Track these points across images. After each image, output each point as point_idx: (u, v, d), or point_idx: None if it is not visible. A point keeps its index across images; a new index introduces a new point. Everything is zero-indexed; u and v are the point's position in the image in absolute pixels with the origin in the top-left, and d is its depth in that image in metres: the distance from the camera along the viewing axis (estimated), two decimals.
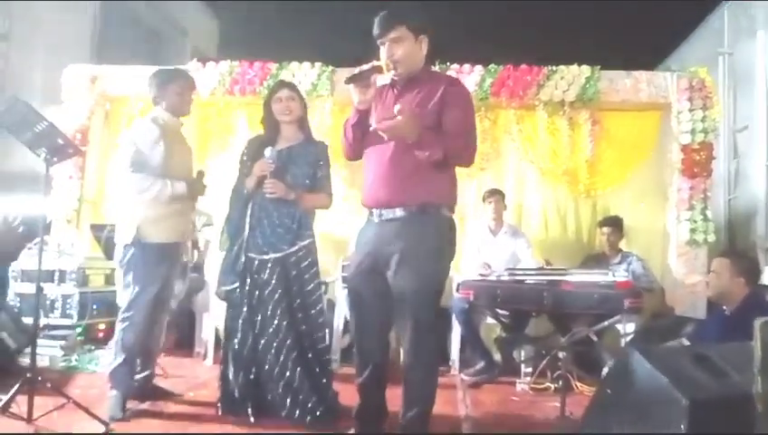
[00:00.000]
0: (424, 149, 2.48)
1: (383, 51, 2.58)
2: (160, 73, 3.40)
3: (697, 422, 1.93)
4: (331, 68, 5.29)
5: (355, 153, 2.80)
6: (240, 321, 3.15)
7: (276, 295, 3.10)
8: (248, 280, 3.15)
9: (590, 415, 2.37)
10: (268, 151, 3.12)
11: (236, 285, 3.15)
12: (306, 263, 3.18)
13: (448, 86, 2.61)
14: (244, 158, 3.31)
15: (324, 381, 3.14)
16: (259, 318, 3.12)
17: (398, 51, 2.56)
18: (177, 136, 3.40)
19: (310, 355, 3.11)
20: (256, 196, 3.17)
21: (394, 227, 2.58)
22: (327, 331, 3.34)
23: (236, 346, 3.15)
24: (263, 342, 3.10)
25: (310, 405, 3.01)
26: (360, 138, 2.73)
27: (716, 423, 2.00)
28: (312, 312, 3.17)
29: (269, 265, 3.13)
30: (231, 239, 3.24)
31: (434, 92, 2.57)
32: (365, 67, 2.56)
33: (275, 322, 3.08)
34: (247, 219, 3.17)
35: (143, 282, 3.17)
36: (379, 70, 2.55)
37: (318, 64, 5.31)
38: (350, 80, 2.60)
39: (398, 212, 2.57)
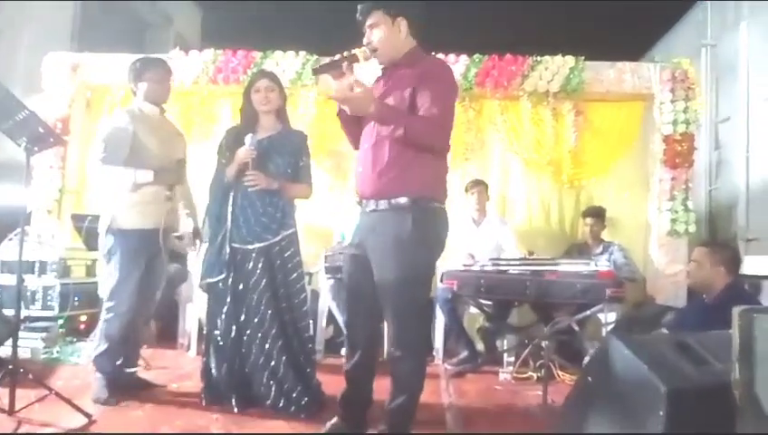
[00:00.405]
0: (388, 126, 2.45)
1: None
2: (136, 63, 3.39)
3: (677, 410, 1.96)
4: (315, 57, 5.25)
5: (355, 144, 2.78)
6: (224, 311, 3.13)
7: (261, 285, 3.09)
8: (232, 271, 3.14)
9: (571, 403, 2.39)
10: (248, 139, 3.10)
11: (222, 276, 3.13)
12: (290, 252, 3.18)
13: (429, 67, 2.58)
14: (223, 148, 3.28)
15: (308, 370, 3.15)
16: (244, 308, 3.11)
17: (375, 36, 2.55)
18: (156, 124, 3.37)
19: (294, 344, 3.12)
20: (238, 185, 3.15)
21: (379, 218, 2.56)
22: (311, 321, 3.34)
23: (220, 337, 3.14)
24: (248, 332, 3.09)
25: (294, 395, 3.02)
26: (353, 129, 2.72)
27: (696, 411, 2.02)
28: (296, 301, 3.17)
29: (253, 254, 3.11)
30: (213, 230, 3.22)
31: (413, 74, 2.53)
32: (335, 57, 2.51)
33: (260, 311, 3.08)
34: (229, 209, 3.15)
35: (123, 270, 3.18)
36: (353, 59, 2.49)
37: (302, 53, 5.28)
38: (317, 71, 2.63)
39: (382, 204, 2.55)
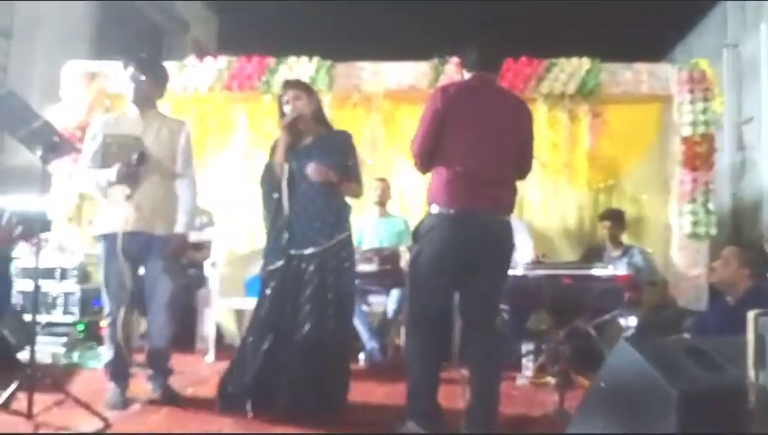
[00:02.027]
0: None
1: None
2: (129, 63, 3.34)
3: (688, 415, 1.93)
4: (329, 62, 5.28)
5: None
6: (263, 312, 3.14)
7: (308, 290, 3.08)
8: (286, 275, 3.13)
9: (583, 408, 2.37)
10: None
11: (281, 263, 3.12)
12: (344, 254, 3.18)
13: None
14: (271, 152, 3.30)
15: (339, 374, 3.15)
16: (288, 311, 3.10)
17: None
18: (126, 127, 3.26)
19: (330, 350, 3.08)
20: (291, 191, 3.16)
21: None
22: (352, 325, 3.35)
23: (256, 338, 3.14)
24: (286, 333, 3.09)
25: (318, 398, 3.02)
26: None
27: (708, 416, 1.99)
28: (345, 305, 3.18)
29: (307, 258, 3.11)
30: (271, 223, 3.25)
31: None
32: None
33: (304, 316, 3.07)
34: (286, 211, 3.15)
35: (103, 276, 3.24)
36: None
37: (316, 59, 5.30)
38: None
39: None
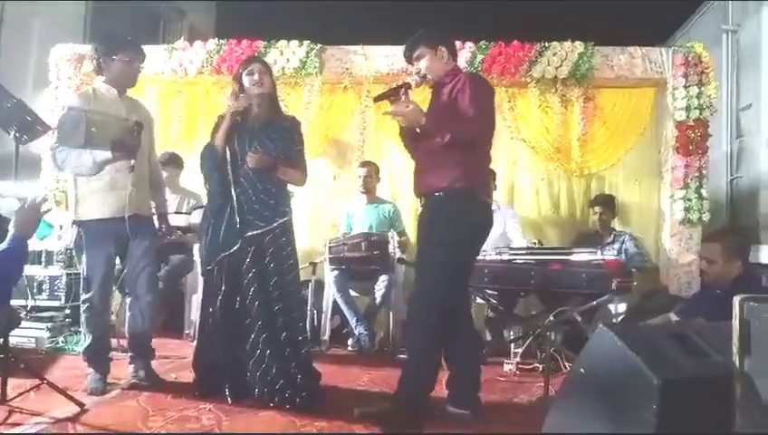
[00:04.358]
0: (436, 134, 2.80)
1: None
2: (106, 42, 3.27)
3: (670, 403, 1.88)
4: (319, 46, 5.20)
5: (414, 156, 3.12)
6: (218, 300, 3.09)
7: (251, 274, 3.04)
8: (226, 259, 3.10)
9: (563, 395, 2.33)
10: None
11: (237, 247, 3.07)
12: (283, 240, 3.13)
13: (464, 78, 2.91)
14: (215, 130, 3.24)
15: (295, 363, 3.05)
16: (238, 297, 3.07)
17: (422, 65, 2.98)
18: (110, 104, 3.21)
19: (283, 336, 3.04)
20: (234, 172, 3.10)
21: (421, 214, 3.00)
22: (305, 310, 3.29)
23: (213, 326, 3.11)
24: (238, 321, 3.06)
25: (278, 387, 2.96)
26: (413, 143, 3.07)
27: (691, 404, 1.94)
28: (290, 289, 3.12)
29: (245, 241, 3.06)
30: (214, 216, 3.17)
31: (452, 86, 2.90)
32: (392, 86, 3.07)
33: (248, 301, 3.04)
34: (233, 194, 3.09)
35: (89, 262, 3.16)
36: (407, 86, 2.96)
37: (306, 42, 5.21)
38: (377, 98, 3.10)
39: (424, 199, 2.97)
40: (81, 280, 3.23)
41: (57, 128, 3.07)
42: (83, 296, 3.20)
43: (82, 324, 3.24)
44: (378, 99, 3.10)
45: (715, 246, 3.28)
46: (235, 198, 3.08)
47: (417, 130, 2.92)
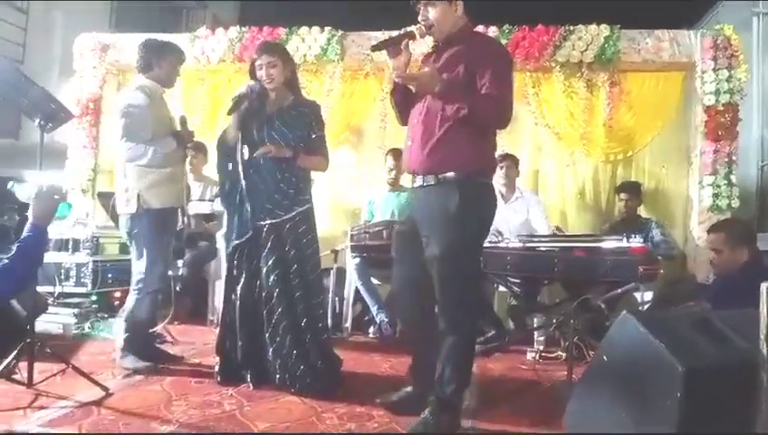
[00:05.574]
0: (452, 105, 2.45)
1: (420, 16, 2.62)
2: (156, 43, 3.44)
3: (695, 390, 1.84)
4: (340, 32, 5.19)
5: (404, 121, 2.81)
6: (239, 286, 3.12)
7: (270, 262, 3.05)
8: (247, 247, 3.12)
9: (585, 382, 2.30)
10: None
11: (249, 235, 3.09)
12: (303, 228, 3.12)
13: (484, 45, 2.63)
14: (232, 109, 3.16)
15: (314, 350, 3.06)
16: (258, 283, 3.09)
17: (430, 14, 2.58)
18: (161, 103, 3.43)
19: (303, 323, 3.05)
20: (250, 161, 3.11)
21: (427, 193, 2.61)
22: (326, 298, 3.29)
23: (233, 314, 3.13)
24: (257, 309, 3.08)
25: (298, 374, 2.97)
26: (404, 105, 2.76)
27: (716, 392, 1.91)
28: (311, 278, 3.12)
29: (264, 231, 3.07)
30: (229, 205, 3.20)
31: (468, 51, 2.54)
32: (394, 34, 2.61)
33: (268, 289, 3.04)
34: (243, 183, 3.10)
35: (155, 252, 3.29)
36: (410, 36, 2.57)
37: (327, 29, 5.20)
38: (376, 47, 2.66)
39: (430, 179, 2.58)
40: (141, 269, 3.32)
41: (124, 126, 3.25)
42: (138, 286, 3.33)
43: (129, 313, 3.34)
44: (375, 48, 2.69)
45: (720, 235, 3.33)
46: (245, 187, 3.09)
47: (423, 93, 2.58)
